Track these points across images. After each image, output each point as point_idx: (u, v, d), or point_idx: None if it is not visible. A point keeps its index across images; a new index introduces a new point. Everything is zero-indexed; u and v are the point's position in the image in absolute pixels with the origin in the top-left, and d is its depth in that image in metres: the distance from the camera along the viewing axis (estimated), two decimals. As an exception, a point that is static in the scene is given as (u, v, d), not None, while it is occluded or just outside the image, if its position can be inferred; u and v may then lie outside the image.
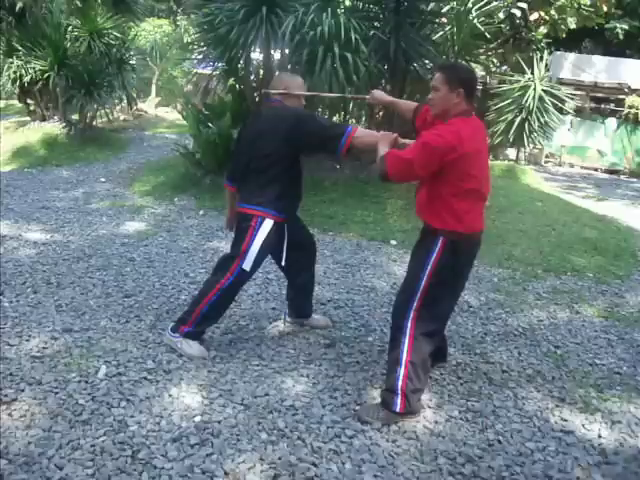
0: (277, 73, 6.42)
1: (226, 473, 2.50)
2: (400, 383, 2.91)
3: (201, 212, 6.99)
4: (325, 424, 2.90)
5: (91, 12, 11.30)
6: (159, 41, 18.50)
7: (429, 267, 2.90)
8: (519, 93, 11.95)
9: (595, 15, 14.36)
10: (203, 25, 7.94)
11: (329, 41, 6.84)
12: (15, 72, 10.96)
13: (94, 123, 12.08)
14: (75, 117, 11.71)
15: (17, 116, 13.90)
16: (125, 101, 12.60)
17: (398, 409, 2.92)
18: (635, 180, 14.12)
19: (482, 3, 8.49)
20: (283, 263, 3.58)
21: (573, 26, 14.36)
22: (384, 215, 6.92)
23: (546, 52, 13.75)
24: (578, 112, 14.99)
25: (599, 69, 15.48)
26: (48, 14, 11.34)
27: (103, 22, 11.29)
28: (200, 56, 8.71)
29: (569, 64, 15.66)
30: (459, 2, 8.39)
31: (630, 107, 15.06)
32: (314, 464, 2.60)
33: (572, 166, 15.26)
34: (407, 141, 3.10)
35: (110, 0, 12.10)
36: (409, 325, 2.94)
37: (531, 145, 13.11)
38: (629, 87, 15.10)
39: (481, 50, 9.89)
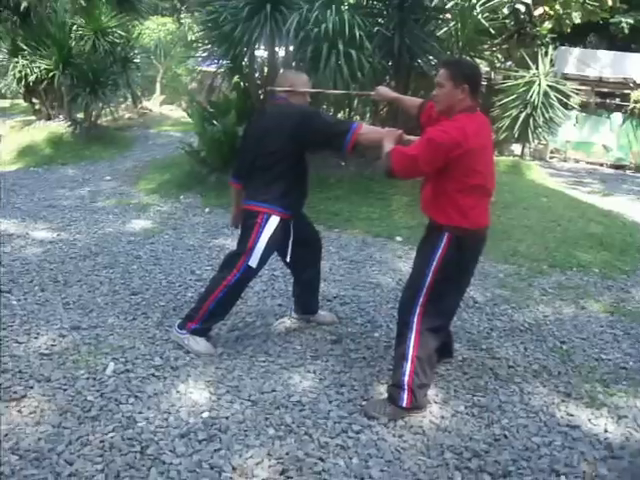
0: (282, 70, 6.44)
1: (234, 468, 2.52)
2: (406, 378, 2.92)
3: (207, 210, 7.01)
4: (332, 419, 2.92)
5: (95, 11, 11.32)
6: (163, 39, 18.53)
7: (435, 263, 2.91)
8: (524, 89, 11.92)
9: (600, 9, 14.29)
10: (207, 23, 7.95)
11: (333, 38, 6.84)
12: (20, 71, 11.00)
13: (99, 122, 12.12)
14: (80, 116, 11.74)
15: (22, 115, 13.95)
16: (130, 99, 12.66)
17: (405, 404, 2.93)
18: (641, 175, 14.08)
19: (486, -1, 8.47)
20: (288, 259, 3.59)
21: (578, 21, 14.30)
22: (389, 212, 6.93)
23: (551, 47, 13.71)
24: (583, 107, 14.94)
25: (604, 64, 15.42)
26: (53, 13, 11.36)
27: (107, 21, 11.31)
28: (204, 54, 8.72)
29: (574, 59, 15.61)
30: (463, -2, 8.37)
31: (636, 102, 15.00)
32: (321, 459, 2.62)
33: (577, 161, 15.22)
34: (412, 137, 3.11)
35: (114, -2, 12.14)
36: (415, 321, 2.95)
37: (536, 141, 13.07)
38: (634, 82, 15.03)
39: (485, 46, 9.86)
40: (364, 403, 3.07)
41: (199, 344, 3.49)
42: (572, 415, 3.10)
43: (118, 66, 11.48)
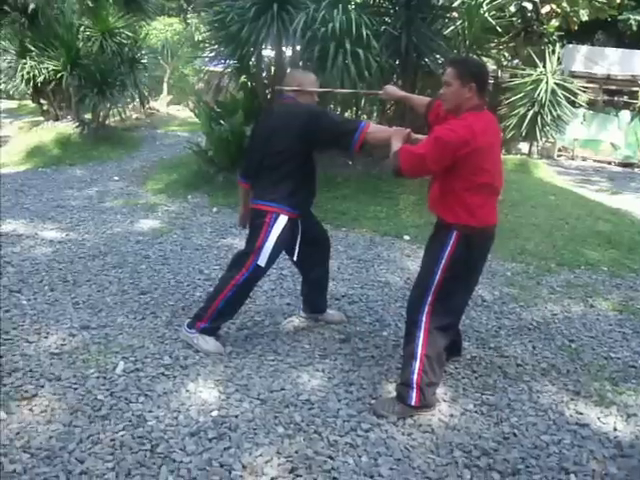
0: (289, 70, 6.45)
1: (244, 466, 2.53)
2: (415, 377, 2.93)
3: (214, 209, 7.02)
4: (341, 418, 2.92)
5: (103, 12, 11.37)
6: (170, 39, 18.58)
7: (443, 261, 2.91)
8: (531, 87, 11.90)
9: (608, 7, 14.21)
10: (214, 23, 7.97)
11: (340, 37, 6.85)
12: (28, 72, 11.07)
13: (107, 122, 12.15)
14: (88, 116, 11.77)
15: (31, 116, 14.03)
16: (137, 100, 12.66)
17: (413, 403, 2.94)
18: (649, 173, 14.01)
19: (493, -3, 8.46)
20: (295, 258, 3.60)
21: (585, 18, 14.23)
22: (397, 210, 6.93)
23: (558, 45, 13.64)
24: (591, 105, 14.87)
25: (612, 61, 15.33)
26: (60, 15, 11.44)
27: (115, 21, 11.36)
28: (211, 54, 8.74)
29: (581, 57, 15.53)
30: (470, -4, 8.36)
31: (644, 99, 14.94)
32: (331, 457, 2.63)
33: (585, 159, 15.14)
34: (420, 136, 3.12)
35: (121, -1, 12.19)
36: (424, 319, 2.95)
37: (544, 139, 13.04)
38: (643, 79, 14.97)
39: (492, 44, 9.86)
40: (373, 402, 3.08)
41: (208, 343, 3.50)
42: (581, 413, 3.10)
43: (125, 67, 11.52)
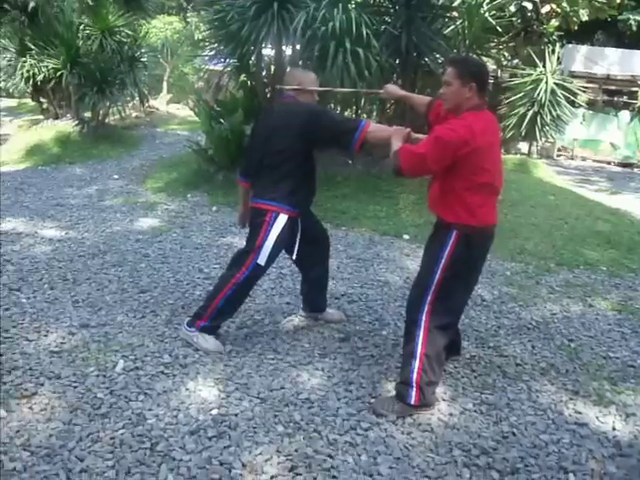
0: (289, 69, 6.44)
1: (244, 465, 2.54)
2: (415, 376, 2.93)
3: (214, 208, 7.02)
4: (341, 417, 2.93)
5: (102, 10, 11.36)
6: (170, 38, 18.58)
7: (443, 261, 2.92)
8: (531, 86, 11.91)
9: (608, 7, 14.21)
10: (214, 22, 7.97)
11: (340, 36, 6.85)
12: (28, 71, 11.06)
13: (106, 121, 12.15)
14: (88, 115, 11.76)
15: (30, 114, 14.03)
16: (137, 98, 12.65)
17: (413, 401, 2.94)
18: (648, 173, 14.03)
19: (493, -4, 8.48)
20: (294, 256, 3.60)
21: (585, 18, 14.23)
22: (396, 210, 6.94)
23: (558, 45, 13.65)
24: (590, 105, 14.88)
25: (612, 61, 15.34)
26: (60, 13, 11.41)
27: (114, 20, 11.35)
28: (211, 53, 8.73)
29: (581, 57, 15.53)
30: (470, -4, 8.37)
31: (643, 99, 14.96)
32: (330, 456, 2.63)
33: (584, 159, 15.15)
34: (420, 136, 3.12)
35: (121, -2, 12.19)
36: (423, 318, 2.95)
37: (543, 139, 13.05)
38: (642, 79, 14.98)
39: (492, 44, 9.87)
40: (372, 400, 3.08)
41: (208, 342, 3.51)
42: (580, 413, 3.10)
43: (125, 65, 11.51)
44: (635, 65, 15.10)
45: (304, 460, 2.59)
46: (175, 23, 19.87)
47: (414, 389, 2.93)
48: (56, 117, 11.78)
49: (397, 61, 7.95)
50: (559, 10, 14.19)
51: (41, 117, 12.23)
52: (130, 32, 11.69)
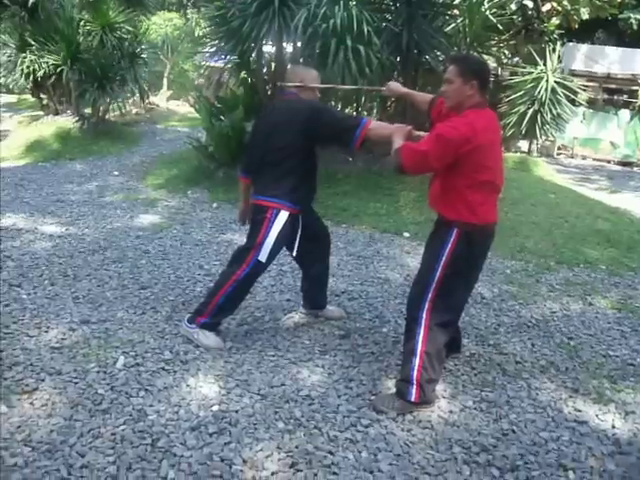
0: (290, 66, 6.44)
1: (244, 461, 2.54)
2: (415, 373, 2.94)
3: (214, 205, 7.03)
4: (341, 413, 2.93)
5: (103, 6, 11.37)
6: (170, 35, 18.55)
7: (443, 258, 2.92)
8: (531, 85, 11.90)
9: (608, 5, 14.23)
10: (215, 19, 7.98)
11: (341, 34, 6.85)
12: (28, 67, 11.07)
13: (107, 117, 12.16)
14: (88, 111, 11.77)
15: (30, 110, 14.02)
16: (137, 95, 12.64)
17: (413, 399, 2.95)
18: (648, 172, 14.03)
19: (494, -6, 8.48)
20: (294, 253, 3.61)
21: (586, 17, 14.24)
22: (397, 207, 6.94)
23: (558, 43, 13.65)
24: (591, 104, 14.86)
25: (612, 60, 15.33)
26: (60, 9, 11.43)
27: (115, 16, 11.36)
28: (212, 49, 8.73)
29: (582, 55, 15.52)
30: (471, -7, 8.37)
31: (644, 98, 14.95)
32: (331, 453, 2.64)
33: (585, 158, 15.15)
34: (421, 133, 3.12)
35: (121, -6, 12.19)
36: (424, 316, 2.96)
37: (543, 137, 13.05)
38: (643, 78, 14.98)
39: (493, 42, 9.85)
40: (373, 398, 3.09)
41: (208, 338, 3.51)
42: (580, 411, 3.11)
43: (126, 61, 11.51)
44: (635, 64, 15.09)
45: (304, 456, 2.59)
46: (175, 19, 19.82)
47: (414, 386, 2.94)
48: (56, 113, 11.80)
49: (398, 59, 7.96)
50: (560, 8, 14.20)
51: (41, 113, 12.24)
52: (130, 28, 11.68)
